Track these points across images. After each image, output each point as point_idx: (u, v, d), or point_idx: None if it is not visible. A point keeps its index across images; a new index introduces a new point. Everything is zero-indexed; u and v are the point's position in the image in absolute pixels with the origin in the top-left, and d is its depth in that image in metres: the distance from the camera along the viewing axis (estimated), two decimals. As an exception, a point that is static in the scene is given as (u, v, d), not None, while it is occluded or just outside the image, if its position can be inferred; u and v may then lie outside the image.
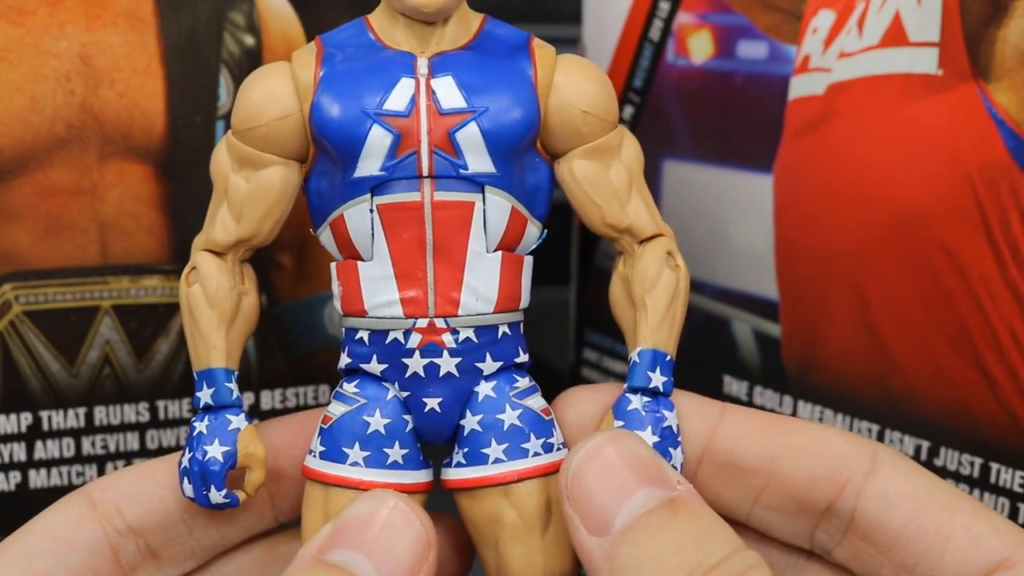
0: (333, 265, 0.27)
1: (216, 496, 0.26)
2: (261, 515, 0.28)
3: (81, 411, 0.35)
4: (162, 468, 0.27)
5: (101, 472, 0.35)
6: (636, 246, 0.27)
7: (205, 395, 0.26)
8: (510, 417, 0.26)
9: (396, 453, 0.26)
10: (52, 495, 0.35)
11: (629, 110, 0.40)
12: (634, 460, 0.23)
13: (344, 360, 0.27)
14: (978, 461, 0.31)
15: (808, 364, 0.35)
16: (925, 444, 0.32)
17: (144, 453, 0.35)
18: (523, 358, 0.27)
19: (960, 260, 0.31)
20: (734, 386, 0.38)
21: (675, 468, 0.25)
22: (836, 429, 0.27)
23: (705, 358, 0.38)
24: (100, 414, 0.35)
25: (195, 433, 0.26)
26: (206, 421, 0.26)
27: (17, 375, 0.34)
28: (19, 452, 0.34)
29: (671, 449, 0.26)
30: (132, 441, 0.35)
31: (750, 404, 0.37)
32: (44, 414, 0.34)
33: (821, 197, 0.34)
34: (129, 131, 0.34)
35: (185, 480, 0.26)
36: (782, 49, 0.35)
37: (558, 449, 0.26)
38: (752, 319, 0.37)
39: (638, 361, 0.26)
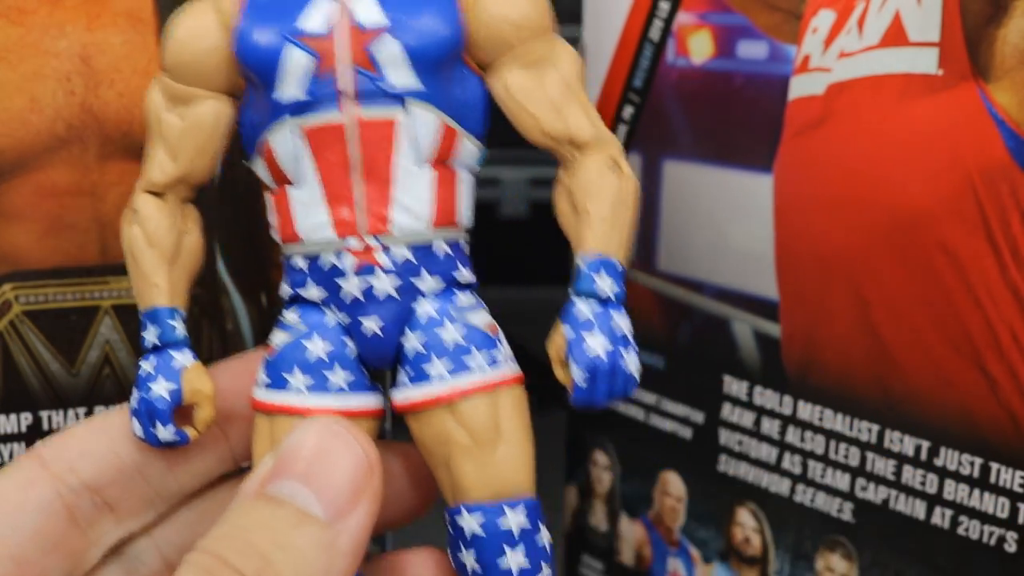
0: (267, 194, 0.27)
1: (164, 433, 0.26)
2: (220, 458, 0.28)
3: (81, 411, 0.35)
4: (113, 420, 0.27)
5: (101, 472, 0.35)
6: (578, 155, 0.26)
7: (150, 335, 0.26)
8: (451, 334, 0.25)
9: (339, 378, 0.25)
10: (52, 495, 0.35)
11: (629, 110, 0.40)
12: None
13: (284, 290, 0.27)
14: (978, 461, 0.31)
15: (808, 364, 0.35)
16: (925, 444, 0.32)
17: (144, 453, 0.35)
18: (466, 276, 0.26)
19: (960, 260, 0.31)
20: (734, 386, 0.38)
21: (631, 374, 0.24)
22: None
23: (705, 358, 0.38)
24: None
25: (142, 374, 0.26)
26: (152, 360, 0.26)
27: (17, 375, 0.34)
28: (19, 452, 0.34)
29: (622, 351, 0.24)
30: (132, 441, 0.35)
31: (750, 404, 0.37)
32: (44, 414, 0.34)
33: (821, 197, 0.34)
34: (129, 131, 0.34)
35: (135, 421, 0.26)
36: (782, 49, 0.35)
37: (505, 364, 0.26)
38: (752, 319, 0.37)
39: (581, 266, 0.25)
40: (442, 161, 0.25)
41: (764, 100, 0.35)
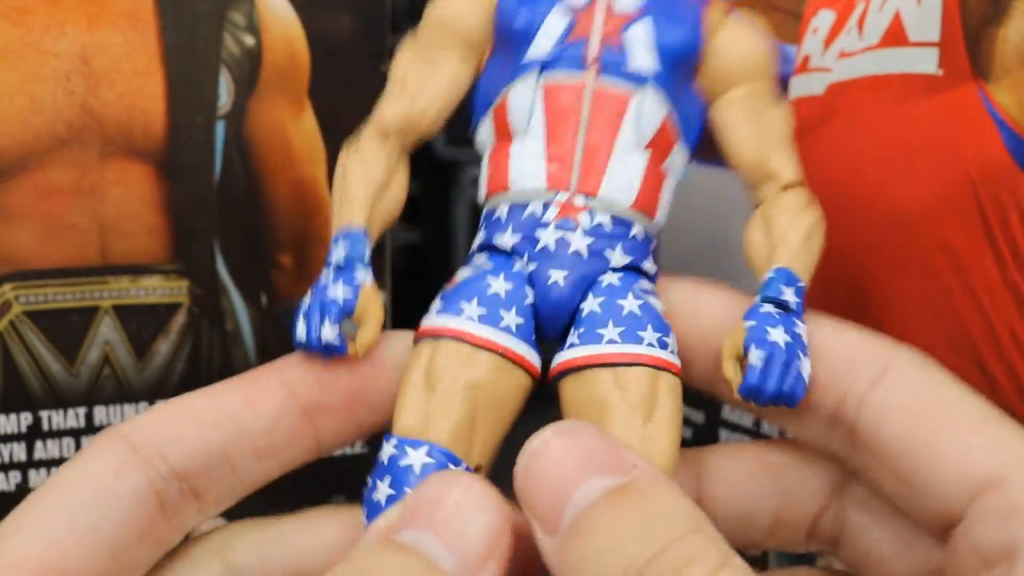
0: (485, 154, 0.27)
1: (328, 332, 0.25)
2: (307, 449, 0.27)
3: (81, 411, 0.35)
4: (200, 404, 0.26)
5: (101, 472, 0.35)
6: (777, 191, 0.27)
7: (339, 252, 0.26)
8: (630, 304, 0.26)
9: (511, 319, 0.26)
10: (52, 495, 0.35)
11: (629, 110, 0.40)
12: (582, 449, 0.22)
13: (478, 240, 0.27)
14: (978, 461, 0.31)
15: (808, 364, 0.35)
16: (925, 444, 0.32)
17: (144, 453, 0.35)
18: (652, 267, 0.27)
19: (960, 260, 0.31)
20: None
21: (804, 378, 0.24)
22: (857, 333, 0.25)
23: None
24: (100, 414, 0.35)
25: (320, 282, 0.26)
26: (332, 272, 0.26)
27: (17, 375, 0.34)
28: (19, 452, 0.34)
29: (800, 353, 0.25)
30: (132, 441, 0.35)
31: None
32: (44, 414, 0.34)
33: (821, 197, 0.34)
34: (129, 131, 0.34)
35: (300, 321, 0.26)
36: (782, 49, 0.35)
37: (672, 351, 0.26)
38: (752, 319, 0.37)
39: (773, 276, 0.26)
40: (657, 153, 0.27)
41: (764, 100, 0.35)
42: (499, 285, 0.26)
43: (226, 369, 0.36)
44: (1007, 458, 0.22)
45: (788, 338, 0.25)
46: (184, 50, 0.34)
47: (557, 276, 0.26)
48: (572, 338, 0.26)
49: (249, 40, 0.35)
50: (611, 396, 0.25)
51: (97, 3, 0.33)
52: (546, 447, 0.22)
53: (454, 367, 0.25)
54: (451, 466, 0.24)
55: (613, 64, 0.26)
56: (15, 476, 0.34)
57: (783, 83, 0.35)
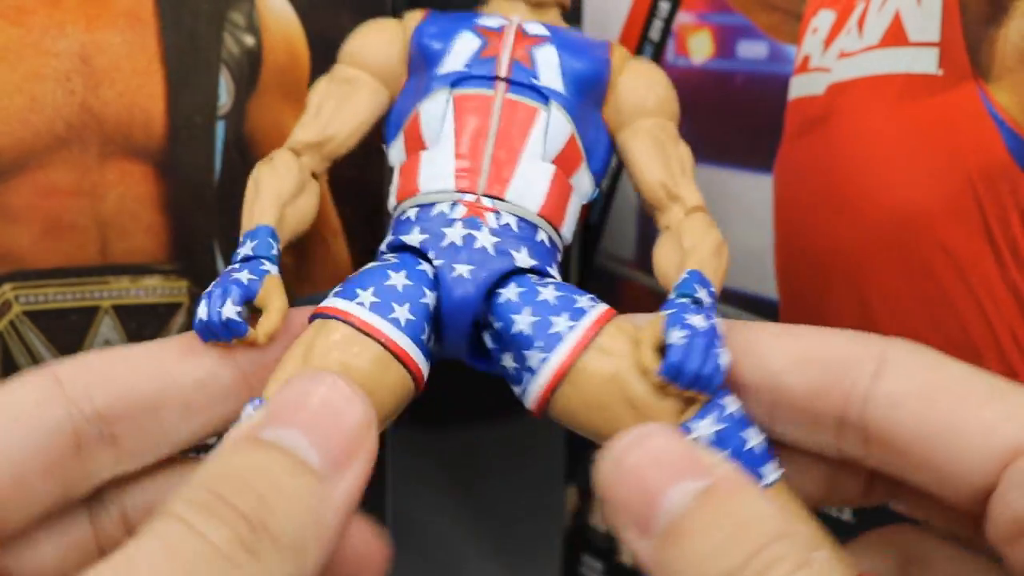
0: (396, 167, 0.28)
1: (229, 310, 0.25)
2: (237, 411, 0.26)
3: (81, 411, 0.35)
4: (137, 352, 0.26)
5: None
6: (682, 215, 0.28)
7: (245, 248, 0.27)
8: (549, 293, 0.26)
9: (402, 313, 0.26)
10: (52, 495, 0.35)
11: (629, 110, 0.40)
12: (665, 453, 0.22)
13: (385, 241, 0.28)
14: (978, 461, 0.31)
15: (808, 364, 0.35)
16: (925, 444, 0.32)
17: (144, 453, 0.35)
18: (556, 276, 0.27)
19: (960, 260, 0.31)
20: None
21: (721, 365, 0.24)
22: (843, 333, 0.25)
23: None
24: (100, 414, 0.35)
25: (225, 273, 0.26)
26: (239, 265, 0.26)
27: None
28: (19, 452, 0.34)
29: (717, 343, 0.25)
30: (132, 441, 0.35)
31: (750, 404, 0.37)
32: (44, 414, 0.34)
33: (821, 197, 0.34)
34: (129, 131, 0.34)
35: (201, 303, 0.26)
36: (782, 49, 0.35)
37: (600, 302, 0.26)
38: (752, 319, 0.37)
39: (687, 277, 0.26)
40: (563, 168, 0.28)
41: (764, 100, 0.35)
42: (398, 279, 0.26)
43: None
44: None
45: (706, 325, 0.25)
46: (184, 50, 0.34)
47: (462, 270, 0.26)
48: (533, 360, 0.26)
49: (249, 40, 0.35)
50: (616, 367, 0.25)
51: (97, 3, 0.33)
52: (630, 452, 0.22)
53: (334, 347, 0.25)
54: None
55: (522, 80, 0.27)
56: (15, 476, 0.34)
57: (783, 83, 0.35)
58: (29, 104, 0.32)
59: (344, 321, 0.25)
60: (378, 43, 0.29)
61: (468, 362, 0.28)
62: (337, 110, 0.29)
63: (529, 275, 0.27)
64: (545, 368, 0.25)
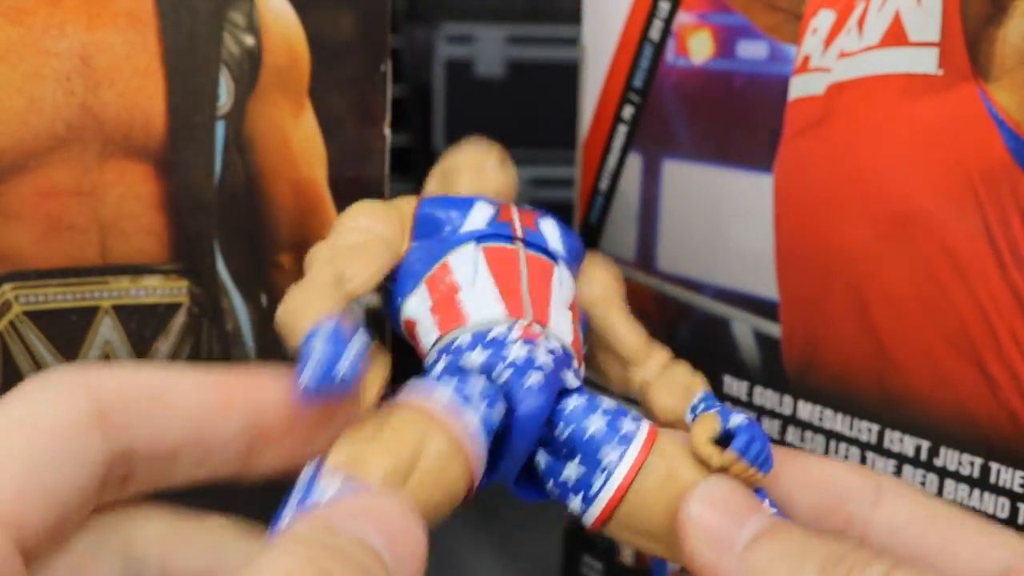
0: (427, 308, 0.27)
1: (347, 366, 0.24)
2: (236, 464, 0.26)
3: (81, 411, 0.35)
4: (181, 389, 0.25)
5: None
6: (663, 364, 0.30)
7: (319, 338, 0.25)
8: (608, 403, 0.27)
9: (481, 409, 0.25)
10: (52, 495, 0.35)
11: (629, 110, 0.40)
12: (740, 494, 0.25)
13: (441, 367, 0.26)
14: (978, 461, 0.31)
15: (808, 364, 0.35)
16: (925, 444, 0.32)
17: (144, 453, 0.35)
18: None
19: (960, 260, 0.31)
20: (734, 386, 0.38)
21: (770, 450, 0.26)
22: (841, 462, 0.28)
23: (705, 358, 0.38)
24: (100, 414, 0.35)
25: (320, 337, 0.25)
26: (331, 339, 0.25)
27: (17, 375, 0.34)
28: (19, 452, 0.34)
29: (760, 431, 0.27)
30: (132, 441, 0.35)
31: (750, 404, 0.37)
32: (44, 414, 0.34)
33: (821, 197, 0.34)
34: (129, 131, 0.34)
35: (309, 364, 0.24)
36: (782, 49, 0.35)
37: (644, 419, 0.27)
38: (752, 319, 0.37)
39: (703, 396, 0.28)
40: (575, 316, 0.29)
41: (764, 100, 0.35)
42: (476, 384, 0.26)
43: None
44: (1016, 550, 0.25)
45: (747, 419, 0.27)
46: (184, 50, 0.34)
47: (534, 380, 0.26)
48: (591, 489, 0.26)
49: (249, 40, 0.35)
50: (672, 463, 0.26)
51: (97, 3, 0.33)
52: (711, 494, 0.25)
53: (408, 428, 0.24)
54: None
55: (535, 241, 0.29)
56: (15, 476, 0.34)
57: (783, 83, 0.35)
58: (29, 104, 0.32)
59: (420, 411, 0.25)
60: (377, 215, 0.29)
61: (513, 488, 0.28)
62: (351, 258, 0.27)
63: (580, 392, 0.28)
64: (622, 464, 0.26)
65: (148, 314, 0.35)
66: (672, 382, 0.29)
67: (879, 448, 0.34)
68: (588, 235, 0.42)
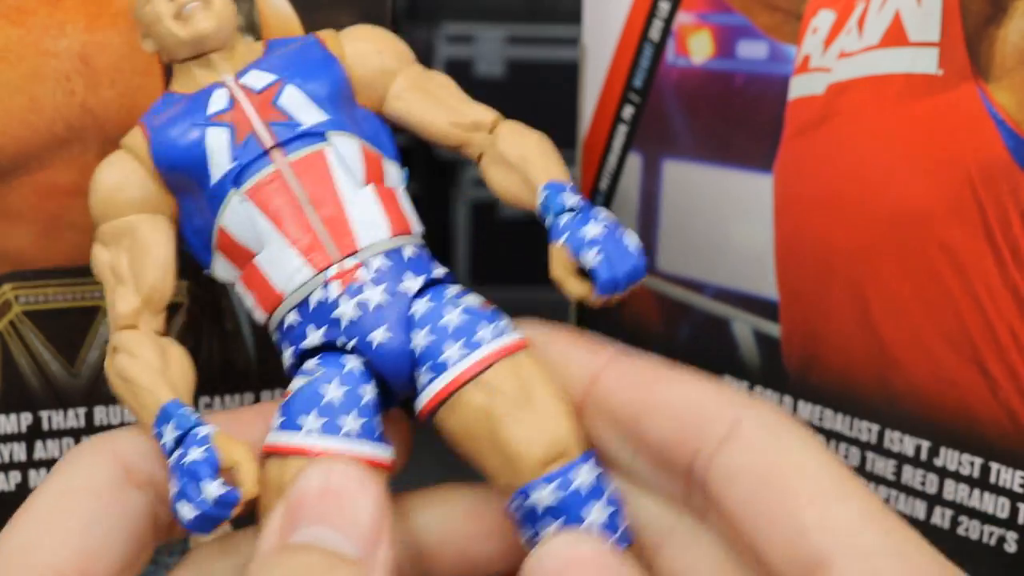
0: (238, 283, 0.27)
1: (212, 488, 0.24)
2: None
3: (81, 411, 0.35)
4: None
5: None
6: (489, 136, 0.28)
7: (168, 434, 0.25)
8: (454, 317, 0.26)
9: (352, 423, 0.25)
10: (52, 495, 0.35)
11: (629, 110, 0.40)
12: (588, 560, 0.22)
13: (288, 359, 0.27)
14: (978, 461, 0.31)
15: (808, 364, 0.35)
16: (925, 444, 0.32)
17: (144, 453, 0.35)
18: (440, 271, 0.27)
19: (960, 260, 0.31)
20: (734, 386, 0.38)
21: (637, 245, 0.26)
22: (710, 387, 0.25)
23: (705, 358, 0.38)
24: (100, 414, 0.35)
25: (172, 466, 0.25)
26: (177, 451, 0.25)
27: (17, 375, 0.34)
28: (19, 452, 0.34)
29: (621, 230, 0.26)
30: (132, 441, 0.35)
31: (750, 404, 0.37)
32: (44, 414, 0.34)
33: (821, 197, 0.34)
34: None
35: (179, 506, 0.24)
36: (782, 49, 0.35)
37: (510, 332, 0.26)
38: (752, 319, 0.37)
39: (547, 193, 0.27)
40: (375, 179, 0.27)
41: (764, 100, 0.35)
42: (333, 391, 0.26)
43: (226, 369, 0.36)
44: (835, 539, 0.22)
45: (602, 225, 0.26)
46: (184, 50, 0.34)
47: (379, 335, 0.26)
48: (422, 379, 0.26)
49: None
50: (491, 405, 0.25)
51: (97, 3, 0.33)
52: (557, 557, 0.22)
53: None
54: None
55: (290, 135, 0.27)
56: (15, 476, 0.34)
57: (783, 83, 0.35)
58: (29, 104, 0.32)
59: (302, 456, 0.25)
60: (120, 183, 0.27)
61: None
62: (136, 263, 0.27)
63: (442, 286, 0.27)
64: (426, 391, 0.26)
65: (148, 314, 0.35)
66: (503, 164, 0.28)
67: (879, 448, 0.34)
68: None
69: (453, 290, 0.27)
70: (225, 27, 0.28)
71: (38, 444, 0.34)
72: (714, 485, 0.23)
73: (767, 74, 0.35)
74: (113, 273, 0.27)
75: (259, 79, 0.27)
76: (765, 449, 0.23)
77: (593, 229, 0.26)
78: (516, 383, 0.25)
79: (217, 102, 0.27)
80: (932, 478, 0.32)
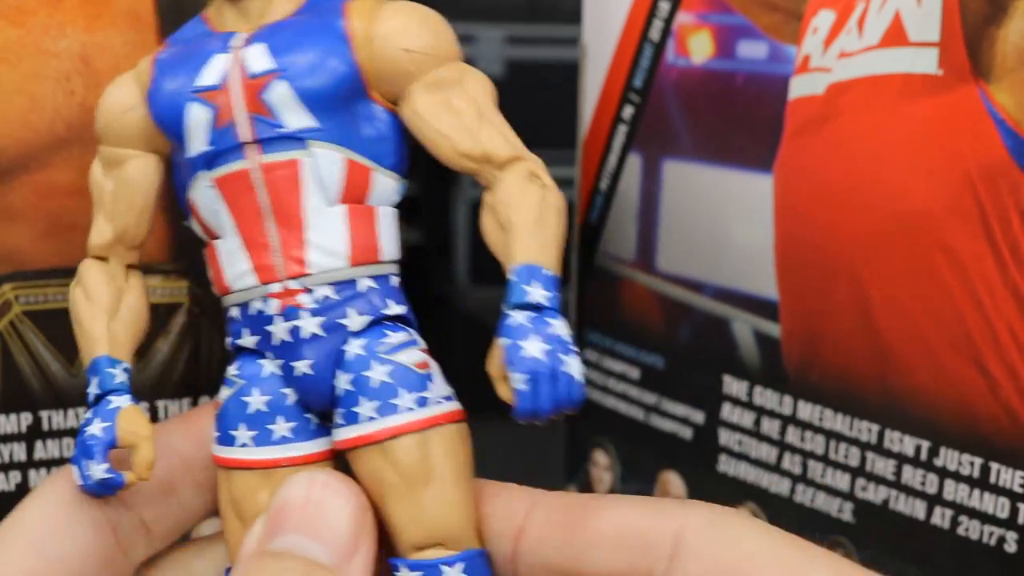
0: (204, 251, 0.27)
1: (96, 470, 0.25)
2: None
3: (81, 411, 0.35)
4: (158, 430, 0.27)
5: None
6: (498, 173, 0.25)
7: (92, 387, 0.26)
8: (378, 374, 0.25)
9: (282, 428, 0.26)
10: (52, 495, 0.35)
11: (629, 110, 0.40)
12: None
13: (227, 341, 0.27)
14: (978, 461, 0.31)
15: (808, 364, 0.35)
16: (925, 444, 0.32)
17: (144, 453, 0.35)
18: (395, 310, 0.26)
19: (960, 260, 0.31)
20: (734, 386, 0.38)
21: (575, 378, 0.23)
22: (642, 507, 0.24)
23: (705, 358, 0.38)
24: (100, 414, 0.35)
25: (82, 423, 0.26)
26: (91, 411, 0.26)
27: (17, 375, 0.34)
28: (19, 452, 0.34)
29: (562, 356, 0.23)
30: (132, 441, 0.35)
31: (750, 404, 0.37)
32: (44, 414, 0.34)
33: (821, 197, 0.34)
34: (129, 131, 0.34)
35: (74, 470, 0.25)
36: (782, 49, 0.35)
37: (436, 403, 0.25)
38: (752, 319, 0.37)
39: (514, 279, 0.24)
40: (355, 198, 0.25)
41: (764, 100, 0.35)
42: (256, 401, 0.26)
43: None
44: None
45: (546, 346, 0.23)
46: (184, 50, 0.34)
47: (302, 366, 0.25)
48: (337, 418, 0.26)
49: None
50: (385, 474, 0.25)
51: (97, 3, 0.33)
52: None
53: (250, 496, 0.25)
54: None
55: (268, 135, 0.25)
56: (15, 476, 0.34)
57: (783, 83, 0.35)
58: (29, 104, 0.32)
59: (242, 468, 0.26)
60: (123, 112, 0.27)
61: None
62: (116, 198, 0.27)
63: (383, 328, 0.26)
64: (337, 431, 0.25)
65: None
66: (495, 215, 0.25)
67: (879, 448, 0.34)
68: (588, 235, 0.42)
69: (394, 339, 0.25)
70: None
71: (38, 444, 0.34)
72: None
73: (767, 74, 0.35)
74: (99, 197, 0.27)
75: (259, 59, 0.25)
76: (714, 553, 0.23)
77: (533, 347, 0.23)
78: (417, 459, 0.24)
79: (210, 74, 0.25)
80: (932, 478, 0.32)
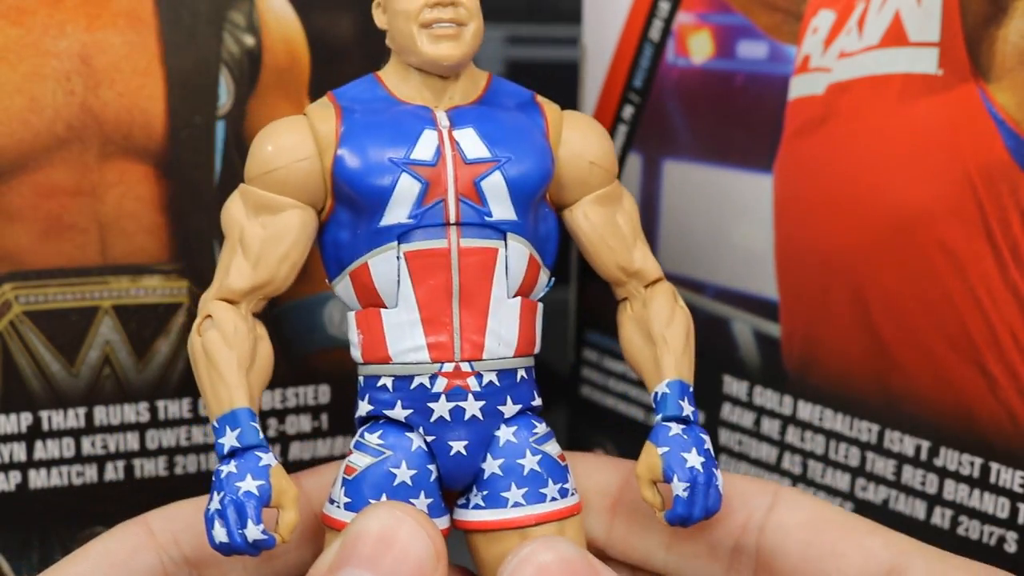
0: (352, 314, 0.27)
1: (254, 531, 0.24)
2: (315, 554, 0.27)
3: (81, 411, 0.35)
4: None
5: (101, 472, 0.35)
6: (643, 290, 0.28)
7: (229, 438, 0.25)
8: (530, 462, 0.26)
9: (421, 503, 0.26)
10: (52, 495, 0.35)
11: (629, 110, 0.40)
12: (567, 564, 0.23)
13: (364, 408, 0.27)
14: (978, 461, 0.31)
15: (808, 364, 0.35)
16: (925, 444, 0.32)
17: (144, 453, 0.35)
18: (538, 402, 0.27)
19: (960, 260, 0.31)
20: (734, 386, 0.38)
21: (720, 490, 0.26)
22: (739, 475, 0.28)
23: (705, 358, 0.38)
24: (100, 414, 0.35)
25: (223, 476, 0.25)
26: (233, 463, 0.25)
27: (17, 375, 0.34)
28: (19, 452, 0.34)
29: (714, 470, 0.26)
30: (132, 441, 0.35)
31: (750, 404, 0.37)
32: (44, 414, 0.34)
33: (821, 197, 0.34)
34: (129, 131, 0.34)
35: (215, 523, 0.24)
36: (782, 49, 0.35)
37: (572, 495, 0.27)
38: (752, 319, 0.37)
39: (668, 392, 0.27)
40: (526, 291, 0.27)
41: (764, 100, 0.35)
42: (403, 473, 0.26)
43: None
44: (902, 550, 0.26)
45: (702, 458, 0.26)
46: (184, 50, 0.34)
47: (459, 447, 0.26)
48: (476, 498, 0.26)
49: (249, 40, 0.35)
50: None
51: (97, 3, 0.33)
52: (533, 558, 0.23)
53: None
54: None
55: (473, 220, 0.26)
56: (15, 476, 0.34)
57: (783, 83, 0.35)
58: (29, 104, 0.32)
59: None
60: (295, 161, 0.26)
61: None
62: (267, 246, 0.26)
63: (531, 418, 0.27)
64: (475, 513, 0.26)
65: (148, 314, 0.35)
66: (644, 333, 0.27)
67: (879, 448, 0.34)
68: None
69: (540, 429, 0.27)
70: (468, 59, 0.26)
71: (38, 444, 0.34)
72: (770, 543, 0.27)
73: (767, 74, 0.35)
74: (240, 238, 0.26)
75: (474, 146, 0.26)
76: (808, 506, 0.27)
77: (694, 458, 0.26)
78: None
79: (424, 149, 0.26)
80: (932, 478, 0.32)
